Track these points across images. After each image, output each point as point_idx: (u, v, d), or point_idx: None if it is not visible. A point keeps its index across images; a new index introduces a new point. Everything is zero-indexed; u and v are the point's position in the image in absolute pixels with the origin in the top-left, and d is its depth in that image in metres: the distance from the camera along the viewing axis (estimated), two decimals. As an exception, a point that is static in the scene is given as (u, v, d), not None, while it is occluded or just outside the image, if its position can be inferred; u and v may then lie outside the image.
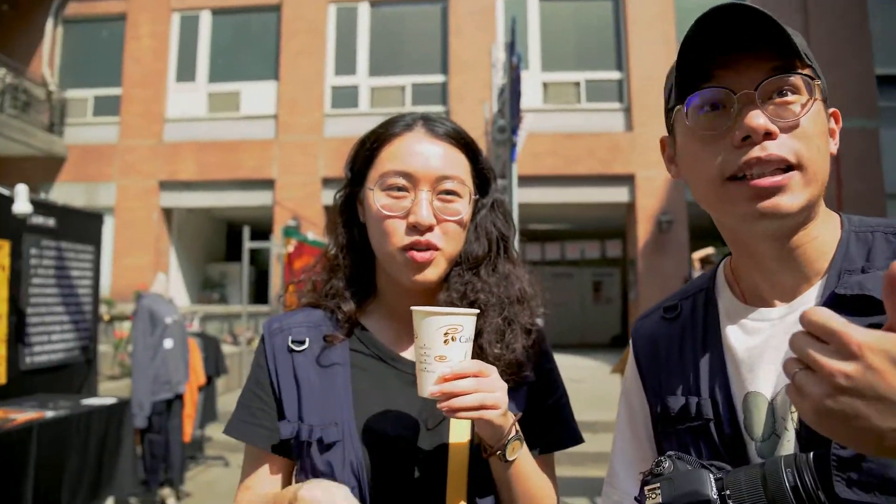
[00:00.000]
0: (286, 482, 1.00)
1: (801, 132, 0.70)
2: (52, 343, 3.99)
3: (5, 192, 3.52)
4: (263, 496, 0.95)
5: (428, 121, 0.99)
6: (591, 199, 11.18)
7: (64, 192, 11.32)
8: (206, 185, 11.73)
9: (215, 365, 5.70)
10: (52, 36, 12.27)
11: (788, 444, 0.71)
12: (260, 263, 12.64)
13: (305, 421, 0.94)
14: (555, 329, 11.45)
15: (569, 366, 9.20)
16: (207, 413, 5.57)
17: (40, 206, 3.94)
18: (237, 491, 0.99)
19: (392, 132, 0.98)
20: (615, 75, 11.46)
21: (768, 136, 0.69)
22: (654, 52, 10.85)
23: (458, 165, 0.98)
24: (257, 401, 1.00)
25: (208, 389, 5.56)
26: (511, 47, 7.99)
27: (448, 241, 0.96)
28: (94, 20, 12.48)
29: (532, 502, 0.93)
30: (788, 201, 0.69)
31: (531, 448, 0.96)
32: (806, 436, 0.68)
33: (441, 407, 0.80)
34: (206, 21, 12.31)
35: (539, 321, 1.07)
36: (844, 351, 0.49)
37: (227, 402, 6.21)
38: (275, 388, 0.99)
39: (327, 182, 11.23)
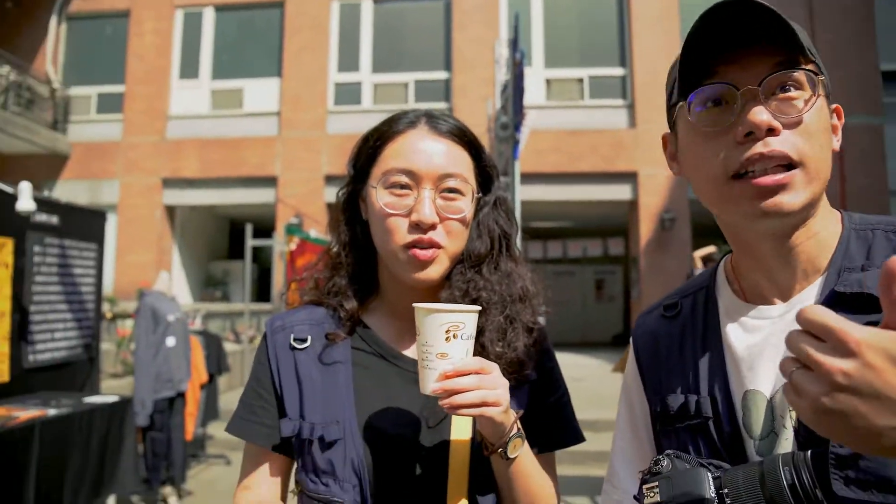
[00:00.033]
0: (285, 482, 1.00)
1: (804, 129, 0.70)
2: (54, 341, 4.00)
3: (9, 189, 3.52)
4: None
5: (431, 118, 0.99)
6: (593, 196, 11.16)
7: (67, 190, 11.34)
8: (209, 182, 11.74)
9: (217, 363, 5.70)
10: (55, 33, 12.28)
11: (787, 442, 0.71)
12: (262, 261, 12.65)
13: (307, 419, 0.94)
14: (556, 327, 11.46)
15: (570, 364, 9.20)
16: (209, 411, 5.58)
17: (44, 204, 3.94)
18: (236, 490, 0.99)
19: (395, 129, 0.98)
20: (619, 72, 11.42)
21: (771, 132, 0.69)
22: (658, 49, 10.79)
23: (461, 163, 0.98)
24: (258, 399, 1.00)
25: (210, 387, 5.56)
26: (514, 44, 7.98)
27: (451, 239, 0.96)
28: (98, 17, 12.48)
29: (533, 500, 0.93)
30: (790, 199, 0.69)
31: (532, 446, 0.95)
32: (804, 434, 0.68)
33: (443, 404, 0.80)
34: (209, 18, 12.31)
35: (541, 319, 1.07)
36: (842, 349, 0.49)
37: (229, 400, 6.22)
38: (276, 386, 0.99)
39: (330, 179, 11.22)
